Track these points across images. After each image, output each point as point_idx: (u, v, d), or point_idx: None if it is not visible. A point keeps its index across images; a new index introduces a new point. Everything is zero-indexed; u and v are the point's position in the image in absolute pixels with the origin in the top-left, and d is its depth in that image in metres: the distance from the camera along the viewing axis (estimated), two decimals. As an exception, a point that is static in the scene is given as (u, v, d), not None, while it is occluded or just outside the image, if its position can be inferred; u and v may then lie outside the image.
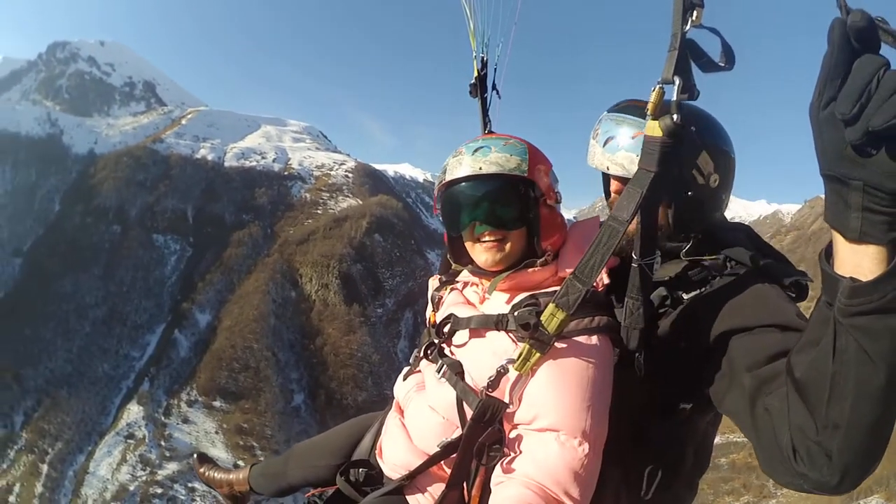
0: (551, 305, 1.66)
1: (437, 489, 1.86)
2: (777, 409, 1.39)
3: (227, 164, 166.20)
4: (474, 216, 1.93)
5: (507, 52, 2.59)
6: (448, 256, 2.23)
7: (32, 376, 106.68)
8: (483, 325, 1.89)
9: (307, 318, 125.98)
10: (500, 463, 1.70)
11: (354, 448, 2.40)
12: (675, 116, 1.51)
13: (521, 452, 1.69)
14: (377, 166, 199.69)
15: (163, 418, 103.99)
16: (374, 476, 2.14)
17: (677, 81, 1.47)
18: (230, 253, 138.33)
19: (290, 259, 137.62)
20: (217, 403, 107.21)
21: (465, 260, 2.10)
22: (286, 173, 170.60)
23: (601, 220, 1.95)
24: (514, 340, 1.80)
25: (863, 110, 0.96)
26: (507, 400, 1.72)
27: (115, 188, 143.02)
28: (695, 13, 1.42)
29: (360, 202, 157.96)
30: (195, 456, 3.43)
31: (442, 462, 1.84)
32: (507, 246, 1.93)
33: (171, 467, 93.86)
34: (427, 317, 2.27)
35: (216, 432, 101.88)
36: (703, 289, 1.85)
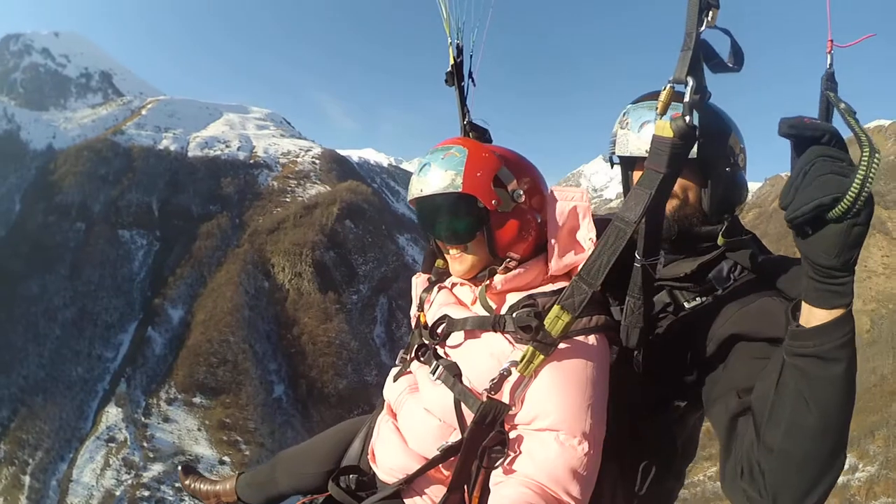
0: (556, 307, 1.66)
1: (436, 492, 1.87)
2: (741, 432, 1.50)
3: (190, 154, 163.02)
4: (435, 233, 2.02)
5: (482, 38, 2.60)
6: (429, 254, 2.34)
7: (5, 384, 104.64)
8: (479, 326, 1.87)
9: (282, 308, 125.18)
10: (500, 463, 1.71)
11: (343, 454, 2.38)
12: (687, 118, 1.50)
13: (520, 453, 1.69)
14: (341, 152, 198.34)
15: (143, 419, 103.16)
16: (367, 481, 2.12)
17: (690, 82, 1.47)
18: (199, 245, 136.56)
19: (260, 249, 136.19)
20: (197, 400, 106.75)
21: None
22: (252, 161, 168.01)
23: (577, 206, 1.95)
24: (511, 342, 1.80)
25: (790, 203, 1.18)
26: (508, 402, 1.72)
27: (77, 183, 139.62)
28: (710, 14, 1.43)
29: (329, 189, 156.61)
30: (180, 468, 3.34)
31: (440, 465, 1.84)
32: (469, 256, 1.98)
33: (156, 468, 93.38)
34: (412, 316, 2.27)
35: (199, 429, 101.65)
36: (706, 298, 1.87)
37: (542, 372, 1.70)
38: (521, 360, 1.67)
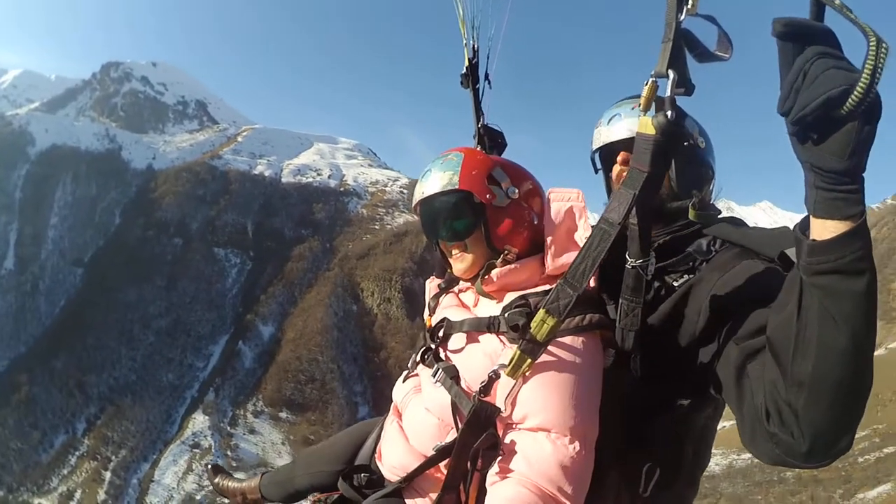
0: (541, 311, 1.65)
1: (435, 491, 1.88)
2: (756, 373, 1.43)
3: (284, 180, 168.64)
4: (437, 235, 2.12)
5: (499, 38, 2.54)
6: (441, 263, 2.38)
7: (95, 383, 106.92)
8: (475, 327, 1.94)
9: (370, 332, 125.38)
10: (494, 463, 1.74)
11: (356, 453, 2.43)
12: (669, 113, 1.46)
13: (514, 452, 1.71)
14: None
15: (229, 428, 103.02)
16: (376, 480, 2.17)
17: (671, 75, 1.43)
18: (291, 267, 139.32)
19: (350, 273, 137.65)
20: (283, 415, 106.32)
21: None
22: (342, 189, 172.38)
23: (574, 206, 2.02)
24: (504, 343, 1.84)
25: (794, 105, 1.10)
26: (498, 404, 1.76)
27: (176, 202, 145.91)
28: (690, 1, 1.37)
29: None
30: (209, 466, 3.49)
31: (439, 465, 1.89)
32: (470, 251, 2.05)
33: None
34: (425, 319, 2.37)
35: (283, 443, 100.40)
36: (692, 275, 1.87)
37: (532, 374, 1.73)
38: (510, 364, 1.68)
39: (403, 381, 2.20)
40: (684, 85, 1.44)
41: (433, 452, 1.87)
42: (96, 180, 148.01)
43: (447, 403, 1.87)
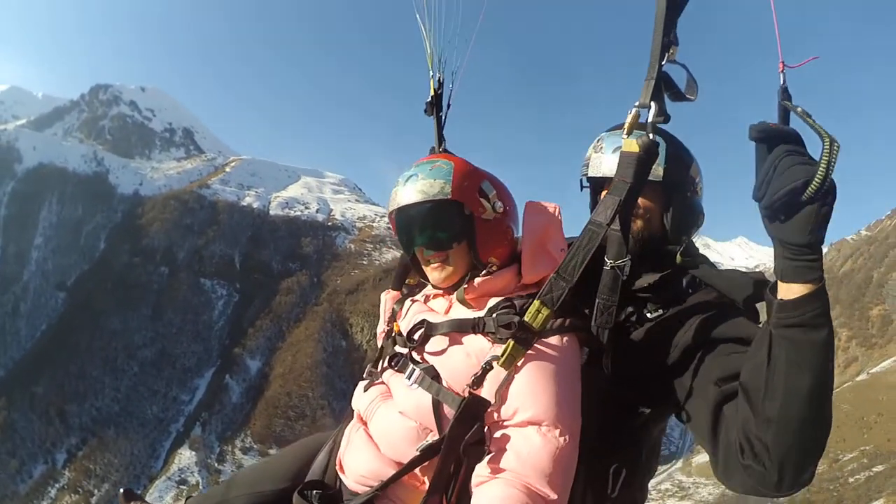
0: (537, 302, 1.76)
1: (411, 498, 1.91)
2: (731, 413, 1.64)
3: (272, 212, 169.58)
4: (417, 242, 2.10)
5: (460, 72, 2.87)
6: (400, 270, 2.48)
7: (77, 413, 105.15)
8: (459, 328, 1.96)
9: (360, 368, 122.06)
10: (482, 462, 1.76)
11: (304, 470, 2.30)
12: (650, 135, 1.72)
13: (503, 450, 1.74)
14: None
15: (216, 464, 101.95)
16: (334, 495, 2.11)
17: (653, 106, 1.69)
18: (279, 300, 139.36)
19: (339, 308, 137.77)
20: (273, 451, 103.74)
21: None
22: (330, 224, 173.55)
23: (550, 220, 2.12)
24: (491, 342, 1.88)
25: (765, 194, 1.39)
26: (489, 398, 1.78)
27: (163, 230, 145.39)
28: (672, 50, 1.66)
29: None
30: (121, 491, 2.89)
31: (416, 470, 1.86)
32: (451, 262, 2.07)
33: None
34: (380, 332, 2.42)
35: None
36: (668, 310, 2.02)
37: (522, 369, 1.79)
38: (503, 355, 1.75)
39: (365, 389, 2.16)
40: (663, 114, 1.70)
41: (416, 453, 1.83)
42: (82, 202, 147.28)
43: (426, 405, 1.88)
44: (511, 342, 1.75)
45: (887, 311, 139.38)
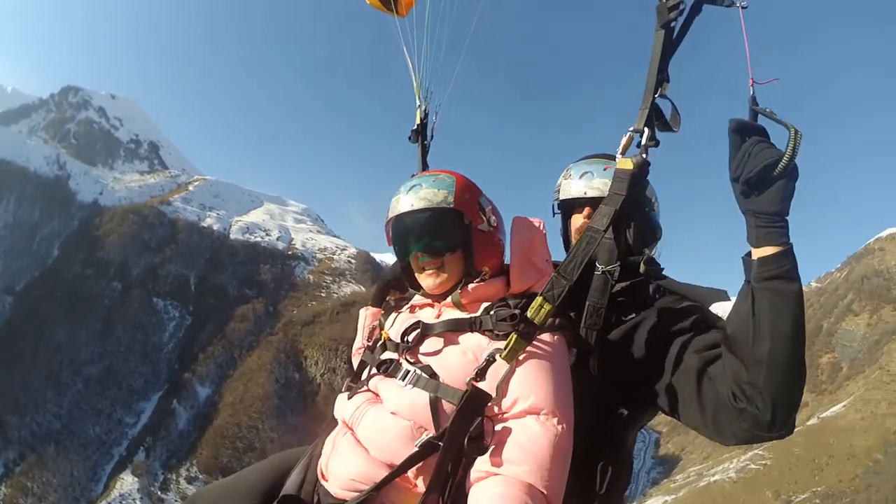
0: (539, 298, 1.89)
1: (404, 500, 1.91)
2: (718, 373, 1.85)
3: (232, 236, 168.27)
4: (414, 248, 2.19)
5: (443, 105, 3.37)
6: (380, 287, 2.68)
7: (17, 426, 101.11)
8: (456, 327, 2.05)
9: (312, 402, 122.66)
10: (482, 456, 1.78)
11: (277, 486, 2.26)
12: (644, 155, 1.99)
13: (503, 441, 1.77)
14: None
15: (160, 493, 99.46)
16: None
17: (646, 131, 1.98)
18: (233, 327, 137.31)
19: (294, 340, 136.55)
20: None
21: (419, 285, 2.32)
22: (290, 253, 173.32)
23: (536, 234, 2.25)
24: (489, 339, 1.97)
25: (742, 172, 1.71)
26: (490, 392, 1.84)
27: (120, 243, 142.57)
28: (664, 85, 1.99)
29: (363, 289, 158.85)
30: None
31: (409, 472, 1.86)
32: (446, 270, 2.16)
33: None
34: (356, 349, 2.61)
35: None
36: (638, 313, 2.23)
37: (522, 364, 1.87)
38: (506, 348, 1.83)
39: (349, 398, 2.15)
40: (654, 139, 2.01)
41: (415, 449, 1.82)
42: (40, 205, 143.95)
43: (422, 403, 1.90)
44: (514, 336, 1.83)
45: (837, 358, 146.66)
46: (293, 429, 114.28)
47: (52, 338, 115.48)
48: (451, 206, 2.13)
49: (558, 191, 2.62)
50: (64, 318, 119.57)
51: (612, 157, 2.35)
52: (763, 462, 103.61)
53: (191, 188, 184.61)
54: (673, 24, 1.98)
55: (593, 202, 2.45)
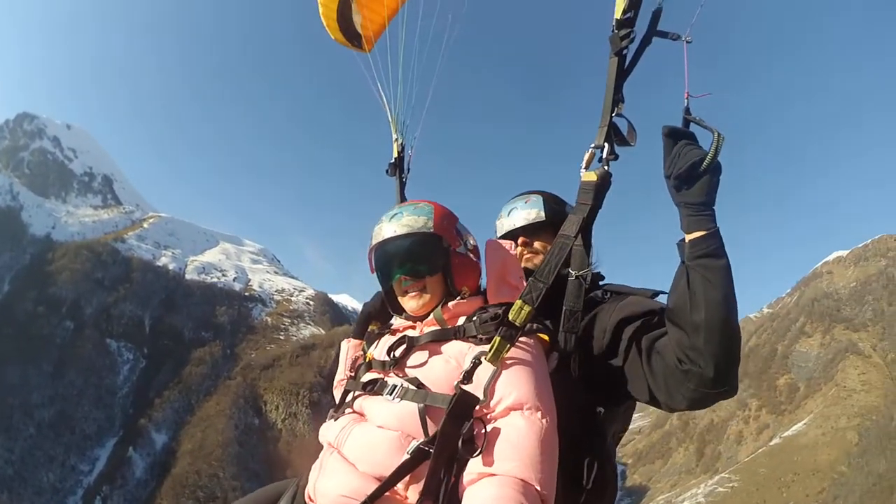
0: (519, 301, 2.05)
1: None
2: (664, 344, 2.08)
3: (187, 276, 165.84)
4: (398, 272, 2.37)
5: (415, 140, 3.73)
6: (362, 319, 2.86)
7: None
8: (440, 337, 2.18)
9: (274, 448, 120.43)
10: (474, 459, 1.82)
11: None
12: (606, 168, 2.21)
13: (493, 441, 1.83)
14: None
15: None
16: None
17: (606, 146, 2.22)
18: (189, 371, 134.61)
19: (253, 384, 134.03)
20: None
21: (401, 309, 2.48)
22: (247, 294, 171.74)
23: (508, 255, 2.49)
24: (473, 344, 2.11)
25: (673, 169, 2.02)
26: (478, 394, 1.92)
27: (73, 280, 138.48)
28: (620, 105, 2.24)
29: (323, 331, 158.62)
30: None
31: (399, 483, 1.87)
32: (428, 292, 2.34)
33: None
34: (338, 380, 2.69)
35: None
36: (591, 312, 2.42)
37: (506, 365, 1.98)
38: (490, 350, 1.96)
39: (335, 420, 2.20)
40: (613, 153, 2.22)
41: (406, 457, 1.84)
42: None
43: (410, 412, 1.96)
44: (497, 338, 1.97)
45: (793, 379, 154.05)
46: (255, 476, 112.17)
47: (2, 378, 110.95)
48: (432, 230, 2.34)
49: (496, 230, 3.07)
50: (14, 357, 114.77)
51: (535, 192, 2.97)
52: (730, 485, 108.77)
53: (145, 225, 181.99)
54: (625, 51, 2.22)
55: (524, 230, 2.91)
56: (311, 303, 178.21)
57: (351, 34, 4.23)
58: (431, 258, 2.35)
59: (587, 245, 2.31)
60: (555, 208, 2.89)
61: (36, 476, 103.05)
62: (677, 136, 2.07)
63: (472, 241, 2.52)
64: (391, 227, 2.37)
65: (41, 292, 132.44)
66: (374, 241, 2.42)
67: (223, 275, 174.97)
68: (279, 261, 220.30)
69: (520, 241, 2.86)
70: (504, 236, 2.94)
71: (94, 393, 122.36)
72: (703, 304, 1.91)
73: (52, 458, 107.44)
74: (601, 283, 2.68)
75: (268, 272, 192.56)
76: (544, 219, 2.83)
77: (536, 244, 2.86)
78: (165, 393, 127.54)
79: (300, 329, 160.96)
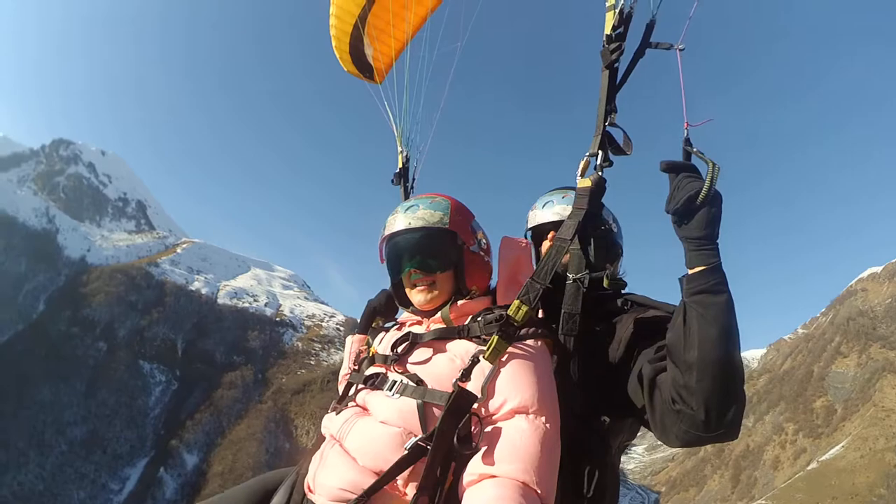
0: (517, 301, 2.05)
1: None
2: (663, 380, 1.99)
3: (220, 301, 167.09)
4: (408, 264, 2.34)
5: (425, 150, 3.73)
6: (366, 315, 2.87)
7: None
8: (445, 335, 2.17)
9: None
10: (474, 459, 1.81)
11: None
12: (600, 174, 2.25)
13: (495, 443, 1.82)
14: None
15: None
16: None
17: (601, 154, 2.26)
18: (220, 394, 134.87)
19: (284, 408, 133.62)
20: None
21: (409, 302, 2.45)
22: (278, 319, 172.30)
23: (522, 253, 2.50)
24: (477, 344, 2.09)
25: (672, 205, 1.93)
26: (476, 393, 1.92)
27: (107, 303, 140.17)
28: (613, 115, 2.27)
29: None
30: None
31: (397, 480, 1.87)
32: (437, 287, 2.32)
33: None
34: (342, 376, 2.77)
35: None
36: (609, 323, 2.40)
37: (506, 364, 1.98)
38: (488, 348, 1.97)
39: (337, 414, 2.20)
40: (608, 160, 2.26)
41: (405, 451, 1.85)
42: (27, 258, 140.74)
43: (411, 409, 1.96)
44: (496, 337, 1.97)
45: (830, 401, 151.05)
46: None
47: (35, 396, 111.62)
48: (447, 226, 2.32)
49: (528, 220, 2.99)
50: (47, 376, 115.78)
51: (571, 188, 2.82)
52: None
53: (178, 250, 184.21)
54: (616, 64, 2.27)
55: (556, 225, 2.79)
56: (342, 328, 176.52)
57: (363, 66, 4.39)
58: (444, 254, 2.33)
59: (585, 246, 2.33)
60: (598, 200, 2.75)
61: (66, 493, 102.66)
62: (677, 170, 2.00)
63: (485, 241, 2.49)
64: (406, 218, 2.34)
65: (75, 313, 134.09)
66: (387, 232, 2.38)
67: (255, 300, 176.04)
68: (309, 286, 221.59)
69: (550, 235, 2.81)
70: (534, 228, 2.90)
71: (126, 413, 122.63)
72: (697, 341, 1.83)
73: (83, 475, 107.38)
74: (624, 291, 2.62)
75: (298, 298, 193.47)
76: (585, 209, 2.60)
77: None
78: (197, 415, 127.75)
79: (331, 354, 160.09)
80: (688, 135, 2.09)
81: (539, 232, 2.88)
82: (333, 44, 4.29)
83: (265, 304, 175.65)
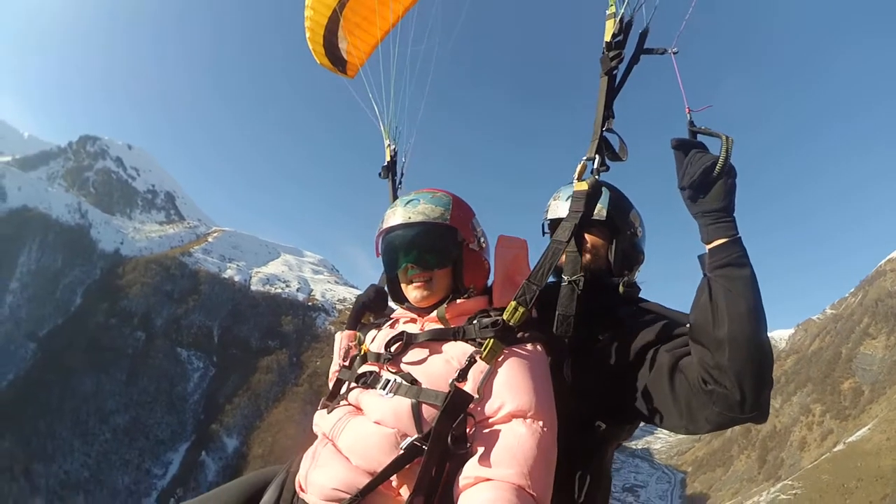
0: (513, 303, 2.04)
1: None
2: (688, 363, 1.99)
3: (253, 287, 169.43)
4: (406, 259, 2.30)
5: (410, 146, 3.75)
6: (356, 311, 2.84)
7: (44, 474, 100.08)
8: (440, 336, 2.15)
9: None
10: (470, 461, 1.80)
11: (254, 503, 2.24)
12: (596, 177, 2.28)
13: (492, 446, 1.80)
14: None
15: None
16: None
17: (597, 158, 2.28)
18: (257, 378, 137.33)
19: (319, 391, 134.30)
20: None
21: (403, 298, 2.44)
22: (310, 304, 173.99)
23: (519, 253, 2.46)
24: (473, 346, 2.06)
25: (686, 179, 1.97)
26: (473, 393, 1.90)
27: (143, 293, 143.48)
28: (611, 121, 2.30)
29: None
30: None
31: (391, 480, 1.87)
32: (434, 284, 2.29)
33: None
34: (332, 372, 2.70)
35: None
36: (617, 330, 2.38)
37: (503, 366, 1.97)
38: (485, 349, 1.96)
39: (329, 412, 2.17)
40: (604, 164, 2.29)
41: (400, 451, 1.84)
42: (62, 253, 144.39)
43: (405, 409, 1.94)
44: (492, 338, 1.97)
45: (858, 383, 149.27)
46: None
47: (77, 387, 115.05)
48: (448, 222, 2.30)
49: (547, 210, 2.90)
50: (88, 367, 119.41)
51: (604, 184, 2.68)
52: (793, 492, 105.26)
53: (210, 239, 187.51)
54: (615, 71, 2.29)
55: None
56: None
57: (336, 59, 4.43)
58: (443, 250, 2.30)
59: (579, 251, 2.34)
60: (619, 206, 2.71)
61: (111, 479, 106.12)
62: (687, 147, 2.04)
63: (484, 239, 2.48)
64: (405, 212, 2.31)
65: (112, 305, 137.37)
66: (385, 225, 2.36)
67: (286, 285, 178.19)
68: (338, 270, 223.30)
69: None
70: (554, 220, 2.79)
71: (166, 400, 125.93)
72: (727, 317, 1.81)
73: (126, 461, 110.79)
74: (635, 296, 2.59)
75: (328, 282, 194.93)
76: (604, 217, 2.61)
77: (587, 238, 2.68)
78: (235, 399, 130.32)
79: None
80: (691, 118, 2.10)
81: (557, 224, 2.73)
82: (307, 35, 4.33)
83: (297, 290, 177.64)
